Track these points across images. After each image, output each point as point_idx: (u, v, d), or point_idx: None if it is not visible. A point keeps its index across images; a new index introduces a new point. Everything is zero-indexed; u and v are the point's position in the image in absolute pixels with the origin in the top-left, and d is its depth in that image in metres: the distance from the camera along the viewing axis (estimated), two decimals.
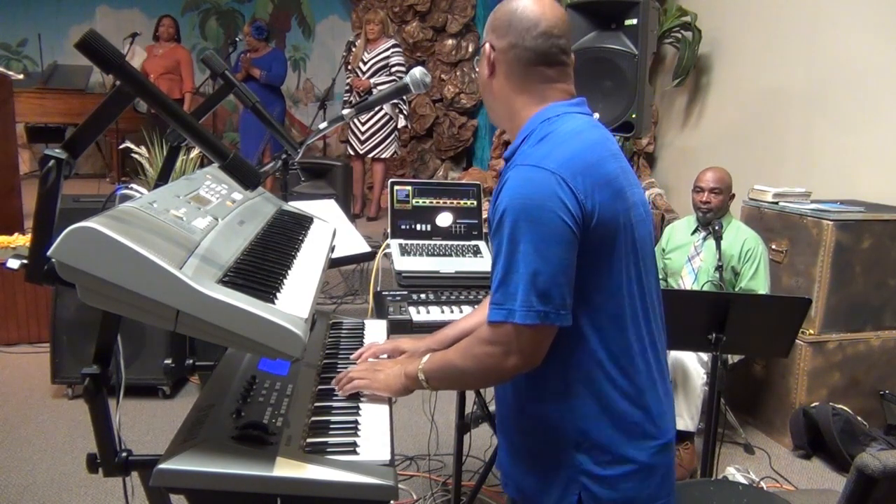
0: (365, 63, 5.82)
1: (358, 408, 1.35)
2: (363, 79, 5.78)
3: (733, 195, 3.24)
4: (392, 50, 5.79)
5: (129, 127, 6.64)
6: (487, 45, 1.33)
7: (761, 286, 3.14)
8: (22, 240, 4.19)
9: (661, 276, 3.11)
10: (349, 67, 5.98)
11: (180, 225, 1.14)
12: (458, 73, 6.99)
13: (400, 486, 1.61)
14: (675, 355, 2.95)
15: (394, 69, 5.77)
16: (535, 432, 1.32)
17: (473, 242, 2.49)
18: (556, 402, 1.28)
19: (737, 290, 3.14)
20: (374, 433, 1.26)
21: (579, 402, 1.26)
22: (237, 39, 6.44)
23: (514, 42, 1.29)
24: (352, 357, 1.58)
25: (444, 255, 2.39)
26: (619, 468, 1.27)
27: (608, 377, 1.26)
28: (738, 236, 3.18)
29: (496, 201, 1.23)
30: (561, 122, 1.26)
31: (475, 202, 2.55)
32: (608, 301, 1.24)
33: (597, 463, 1.27)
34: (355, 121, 5.80)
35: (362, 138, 5.90)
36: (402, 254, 2.37)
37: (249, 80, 6.06)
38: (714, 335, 2.39)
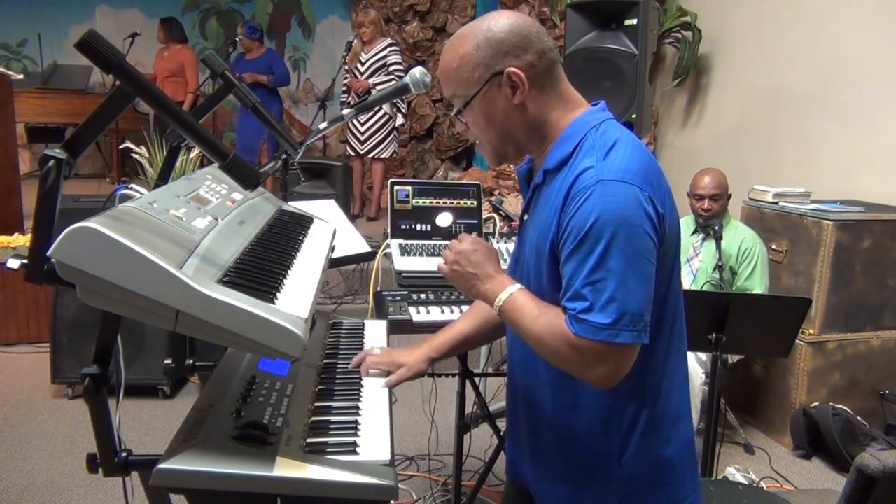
0: (363, 63, 5.81)
1: (358, 408, 1.35)
2: (362, 79, 5.78)
3: (730, 195, 3.24)
4: (389, 49, 5.78)
5: (129, 127, 6.65)
6: (513, 69, 1.21)
7: (758, 286, 3.14)
8: (22, 240, 4.19)
9: None
10: (347, 68, 5.98)
11: (180, 225, 1.14)
12: None
13: (400, 486, 1.60)
14: None
15: (392, 68, 5.76)
16: (577, 445, 1.29)
17: None
18: (606, 415, 1.26)
19: (734, 289, 3.14)
20: (374, 433, 1.25)
21: (629, 412, 1.25)
22: (237, 39, 6.45)
23: (541, 49, 1.23)
24: (350, 366, 1.54)
25: None
26: (656, 471, 1.27)
27: (659, 383, 1.26)
28: (737, 236, 3.18)
29: (575, 215, 1.15)
30: (610, 129, 1.22)
31: (475, 202, 2.55)
32: (665, 309, 1.24)
33: (638, 470, 1.26)
34: (354, 121, 5.80)
35: (361, 138, 5.90)
36: (402, 254, 2.37)
37: (255, 86, 6.06)
38: (714, 335, 2.39)
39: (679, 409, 1.31)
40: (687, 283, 3.23)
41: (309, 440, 1.20)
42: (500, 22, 1.23)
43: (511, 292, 1.25)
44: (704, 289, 3.06)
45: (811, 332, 3.22)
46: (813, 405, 3.18)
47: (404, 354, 1.55)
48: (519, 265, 1.37)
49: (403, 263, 2.32)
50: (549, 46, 1.26)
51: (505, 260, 2.40)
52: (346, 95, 6.03)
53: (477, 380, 2.41)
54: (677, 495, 1.31)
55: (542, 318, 1.20)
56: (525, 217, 1.35)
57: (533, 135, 1.28)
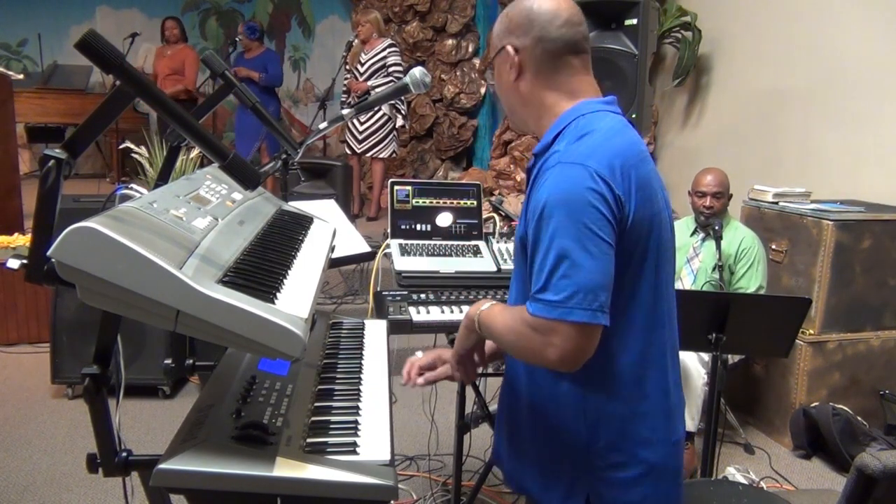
0: (362, 64, 5.81)
1: (358, 408, 1.35)
2: (361, 80, 5.78)
3: (731, 195, 3.24)
4: (389, 50, 5.78)
5: (129, 127, 6.65)
6: (509, 49, 1.30)
7: (753, 284, 3.13)
8: (22, 240, 4.19)
9: None
10: (347, 68, 5.98)
11: (180, 225, 1.14)
12: (458, 73, 7.00)
13: (400, 486, 1.61)
14: None
15: (391, 69, 5.76)
16: (548, 431, 1.32)
17: (473, 242, 2.49)
18: (574, 403, 1.28)
19: (731, 288, 3.14)
20: (374, 433, 1.26)
21: (598, 403, 1.26)
22: (237, 39, 6.46)
23: (540, 36, 1.28)
24: (402, 383, 1.54)
25: (444, 255, 2.39)
26: (631, 470, 1.27)
27: (629, 380, 1.26)
28: (736, 236, 3.18)
29: (534, 196, 1.22)
30: (597, 119, 1.25)
31: (475, 202, 2.55)
32: (634, 304, 1.24)
33: (608, 464, 1.27)
34: (353, 121, 5.80)
35: (360, 138, 5.90)
36: (402, 254, 2.37)
37: (248, 83, 6.08)
38: (714, 335, 2.39)
39: (660, 412, 1.30)
40: (687, 283, 3.23)
41: (309, 440, 1.20)
42: (521, 4, 1.31)
43: (484, 307, 1.33)
44: (704, 289, 3.06)
45: (811, 332, 3.22)
46: (813, 405, 3.18)
47: (449, 352, 1.55)
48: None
49: (403, 263, 2.32)
50: (553, 36, 1.28)
51: (506, 261, 2.40)
52: (346, 96, 6.03)
53: (477, 380, 2.41)
54: (657, 498, 1.30)
55: (506, 313, 1.27)
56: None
57: (531, 113, 1.33)
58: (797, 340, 3.17)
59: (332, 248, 1.66)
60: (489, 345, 1.51)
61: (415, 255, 2.37)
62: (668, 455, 1.31)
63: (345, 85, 6.01)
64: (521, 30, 1.29)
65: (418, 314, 2.12)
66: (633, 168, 1.21)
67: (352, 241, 2.28)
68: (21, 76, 5.29)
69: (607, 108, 1.29)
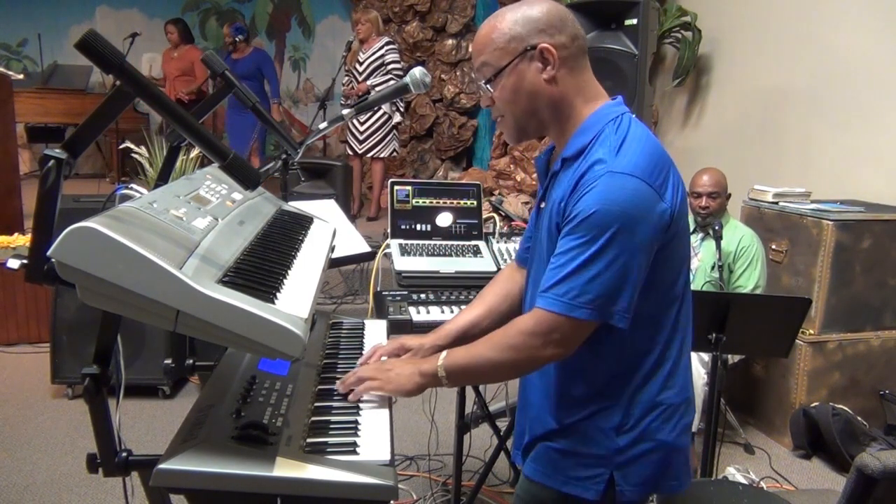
0: (361, 64, 5.81)
1: (358, 408, 1.35)
2: (360, 80, 5.78)
3: (729, 195, 3.24)
4: (387, 48, 5.78)
5: (129, 127, 6.66)
6: (547, 46, 1.26)
7: (751, 283, 3.13)
8: (22, 240, 4.19)
9: None
10: (346, 69, 5.98)
11: (180, 225, 1.14)
12: (458, 73, 6.99)
13: (400, 486, 1.61)
14: None
15: (389, 67, 5.76)
16: (575, 419, 1.34)
17: (473, 242, 2.49)
18: (603, 391, 1.31)
19: (730, 287, 3.14)
20: (374, 433, 1.25)
21: (627, 390, 1.30)
22: (237, 39, 6.46)
23: (575, 33, 1.29)
24: (358, 363, 1.55)
25: (444, 255, 2.39)
26: (651, 450, 1.32)
27: (657, 367, 1.31)
28: (735, 235, 3.18)
29: (580, 200, 1.20)
30: (625, 123, 1.27)
31: (475, 202, 2.55)
32: (667, 295, 1.30)
33: (631, 446, 1.31)
34: (354, 121, 5.81)
35: (360, 138, 5.90)
36: (402, 254, 2.37)
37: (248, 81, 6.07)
38: (714, 335, 2.39)
39: (679, 397, 1.36)
40: None
41: (309, 440, 1.19)
42: (538, 5, 1.30)
43: (440, 360, 1.33)
44: (704, 288, 3.06)
45: (811, 332, 3.22)
46: (813, 405, 3.18)
47: (414, 339, 1.58)
48: (534, 253, 1.42)
49: (403, 263, 2.32)
50: (582, 34, 1.31)
51: (506, 261, 2.40)
52: (345, 100, 6.04)
53: None
54: (672, 474, 1.36)
55: (484, 342, 1.31)
56: (542, 205, 1.39)
57: (556, 115, 1.32)
58: (797, 340, 3.17)
59: (332, 248, 1.66)
60: (457, 330, 1.57)
61: (415, 255, 2.37)
62: (680, 436, 1.36)
63: (344, 86, 6.01)
64: (553, 28, 1.27)
65: (418, 314, 2.12)
66: (672, 172, 1.26)
67: (352, 241, 2.27)
68: (21, 76, 5.30)
69: (625, 110, 1.32)
